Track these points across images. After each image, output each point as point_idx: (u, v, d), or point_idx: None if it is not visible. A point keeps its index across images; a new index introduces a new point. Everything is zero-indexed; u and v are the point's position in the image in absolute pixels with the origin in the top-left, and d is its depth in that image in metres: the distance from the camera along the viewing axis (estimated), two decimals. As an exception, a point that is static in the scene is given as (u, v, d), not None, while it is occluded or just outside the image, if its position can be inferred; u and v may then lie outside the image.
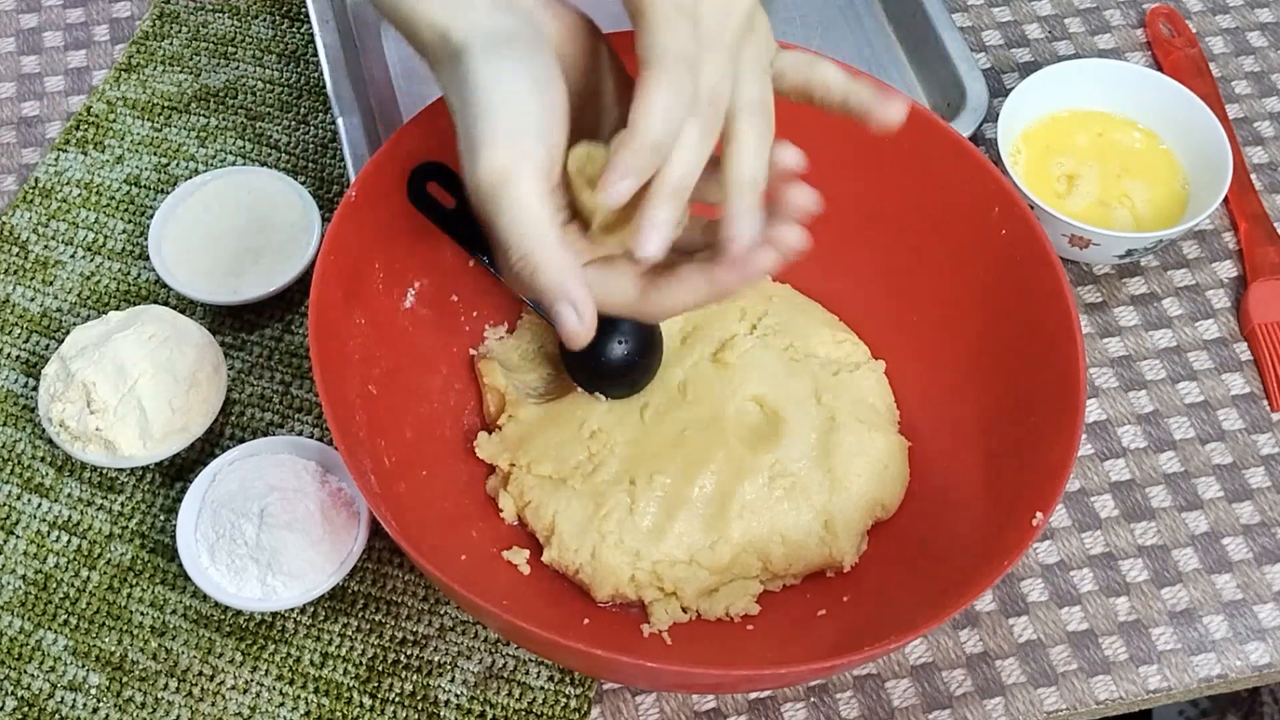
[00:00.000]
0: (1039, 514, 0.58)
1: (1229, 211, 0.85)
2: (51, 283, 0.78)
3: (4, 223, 0.80)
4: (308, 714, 0.66)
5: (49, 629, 0.68)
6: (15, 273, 0.78)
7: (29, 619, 0.68)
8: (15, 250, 0.79)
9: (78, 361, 0.70)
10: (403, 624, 0.68)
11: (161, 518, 0.71)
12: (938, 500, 0.68)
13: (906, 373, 0.72)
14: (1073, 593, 0.71)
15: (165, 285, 0.77)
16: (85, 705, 0.66)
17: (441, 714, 0.66)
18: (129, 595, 0.68)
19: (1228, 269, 0.83)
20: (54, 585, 0.69)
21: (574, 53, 0.54)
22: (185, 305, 0.77)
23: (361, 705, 0.66)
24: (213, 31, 0.89)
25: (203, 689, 0.66)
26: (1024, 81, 0.82)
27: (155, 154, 0.83)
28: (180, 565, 0.68)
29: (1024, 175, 0.81)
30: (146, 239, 0.79)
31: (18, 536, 0.70)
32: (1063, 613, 0.70)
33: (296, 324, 0.77)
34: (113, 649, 0.67)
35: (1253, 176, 0.86)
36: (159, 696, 0.66)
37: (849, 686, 0.68)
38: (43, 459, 0.72)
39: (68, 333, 0.75)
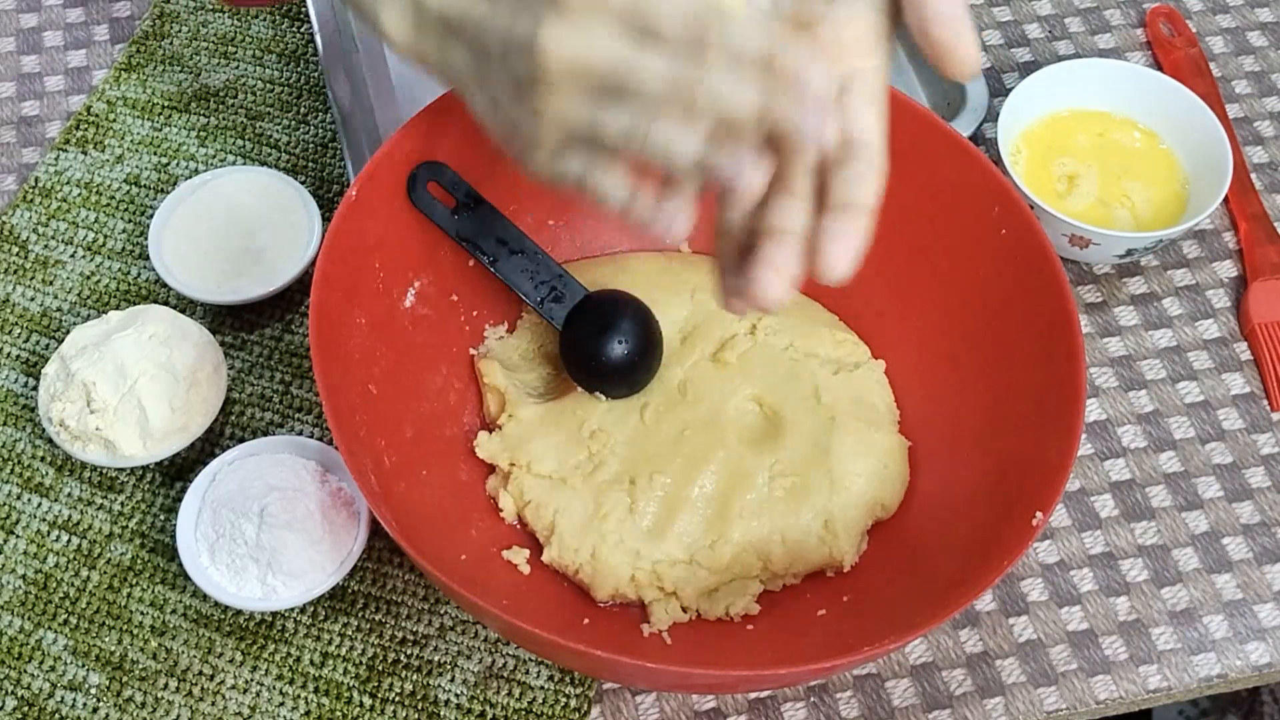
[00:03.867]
0: (1039, 514, 0.58)
1: (1229, 211, 0.85)
2: (51, 282, 0.78)
3: (4, 222, 0.80)
4: (308, 714, 0.66)
5: (49, 629, 0.68)
6: (15, 273, 0.78)
7: (29, 619, 0.68)
8: (15, 250, 0.79)
9: (78, 361, 0.70)
10: (403, 624, 0.68)
11: (161, 517, 0.71)
12: (938, 500, 0.68)
13: (906, 373, 0.72)
14: (1073, 592, 0.71)
15: (165, 285, 0.77)
16: (85, 705, 0.66)
17: (441, 714, 0.66)
18: (129, 595, 0.68)
19: (1228, 269, 0.83)
20: (54, 585, 0.69)
21: None
22: (185, 305, 0.77)
23: (361, 705, 0.66)
24: (213, 31, 0.89)
25: (203, 689, 0.66)
26: (1024, 81, 0.82)
27: (155, 154, 0.83)
28: (180, 565, 0.68)
29: (1024, 175, 0.81)
30: (146, 239, 0.79)
31: (18, 536, 0.70)
32: (1063, 612, 0.70)
33: (296, 324, 0.77)
34: (113, 649, 0.67)
35: (1253, 176, 0.86)
36: (159, 696, 0.66)
37: (849, 686, 0.68)
38: (43, 459, 0.72)
39: (68, 332, 0.75)
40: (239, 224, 0.77)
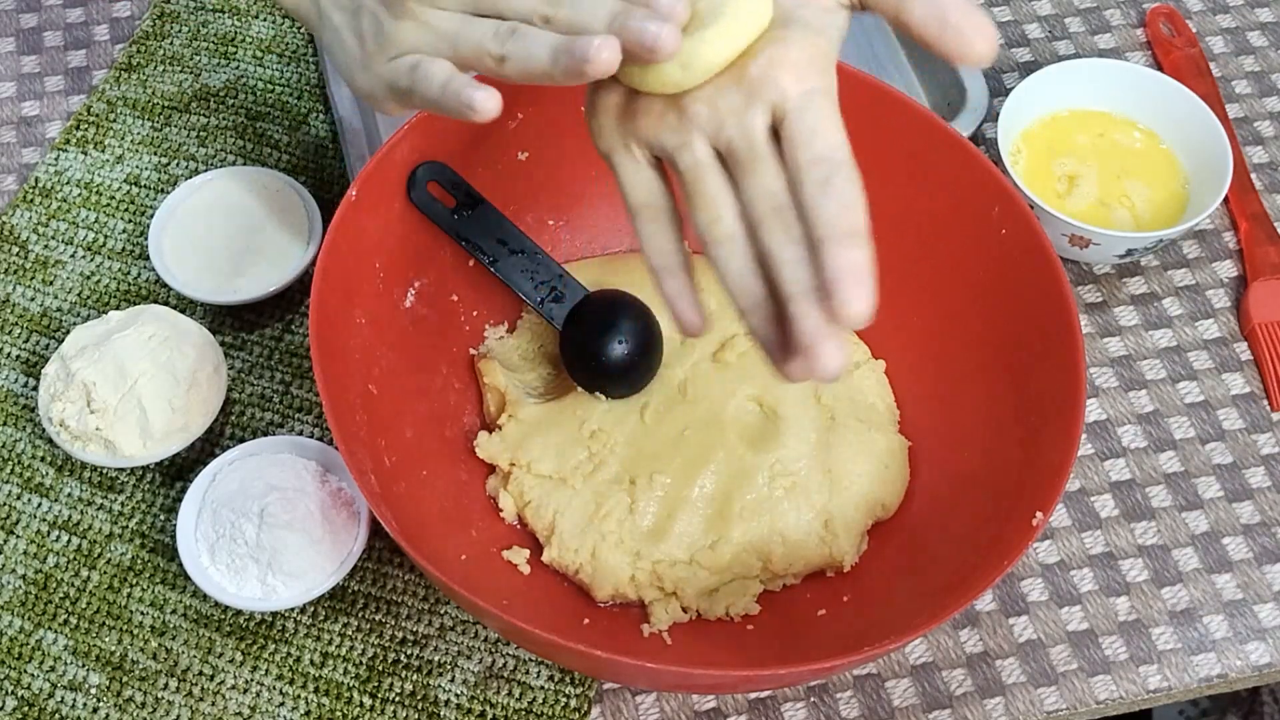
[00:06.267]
0: (1039, 514, 0.58)
1: (1229, 211, 0.85)
2: (51, 282, 0.78)
3: (4, 223, 0.80)
4: (308, 714, 0.66)
5: (49, 629, 0.68)
6: (15, 273, 0.78)
7: (29, 619, 0.68)
8: (15, 250, 0.79)
9: (78, 361, 0.70)
10: (403, 624, 0.68)
11: (161, 517, 0.71)
12: (938, 500, 0.68)
13: (906, 373, 0.72)
14: (1073, 592, 0.71)
15: (165, 285, 0.77)
16: (85, 705, 0.66)
17: (441, 714, 0.66)
18: (129, 595, 0.68)
19: (1228, 269, 0.83)
20: (54, 585, 0.69)
21: None
22: (185, 305, 0.77)
23: (361, 705, 0.66)
24: (213, 31, 0.89)
25: (203, 689, 0.66)
26: (1024, 81, 0.82)
27: (155, 154, 0.83)
28: (180, 565, 0.68)
29: (1024, 175, 0.81)
30: (146, 239, 0.79)
31: (18, 536, 0.70)
32: (1063, 612, 0.70)
33: (296, 324, 0.77)
34: (113, 649, 0.67)
35: (1253, 176, 0.86)
36: (159, 696, 0.66)
37: (849, 686, 0.68)
38: (43, 459, 0.72)
39: (68, 332, 0.75)
40: (239, 224, 0.77)
